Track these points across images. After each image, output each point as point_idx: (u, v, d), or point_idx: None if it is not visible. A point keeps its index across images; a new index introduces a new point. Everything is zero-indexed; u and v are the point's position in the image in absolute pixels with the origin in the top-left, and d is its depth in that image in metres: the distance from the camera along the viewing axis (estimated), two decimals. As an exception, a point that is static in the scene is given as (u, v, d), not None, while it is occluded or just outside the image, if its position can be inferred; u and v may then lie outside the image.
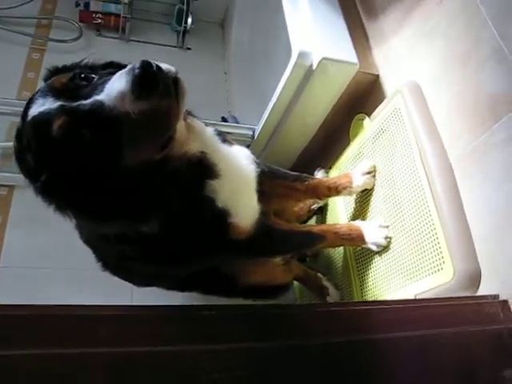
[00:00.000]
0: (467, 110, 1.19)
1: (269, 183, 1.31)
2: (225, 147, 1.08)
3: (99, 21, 2.34)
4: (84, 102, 0.75)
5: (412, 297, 1.20)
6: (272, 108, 1.61)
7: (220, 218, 1.02)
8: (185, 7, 2.37)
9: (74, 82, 0.81)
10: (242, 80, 2.26)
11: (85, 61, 0.93)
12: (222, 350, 0.72)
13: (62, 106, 0.76)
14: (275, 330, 0.79)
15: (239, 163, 1.11)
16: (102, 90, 0.75)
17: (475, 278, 1.11)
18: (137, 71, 0.70)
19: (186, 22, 2.38)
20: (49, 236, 1.77)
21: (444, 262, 1.13)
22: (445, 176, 1.21)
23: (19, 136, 0.82)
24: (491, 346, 0.93)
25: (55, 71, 0.90)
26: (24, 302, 1.63)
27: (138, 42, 2.43)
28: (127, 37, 2.40)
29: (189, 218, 0.96)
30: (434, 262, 1.16)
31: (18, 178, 1.80)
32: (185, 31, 2.41)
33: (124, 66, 0.80)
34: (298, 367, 0.76)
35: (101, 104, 0.74)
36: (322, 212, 1.71)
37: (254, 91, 2.11)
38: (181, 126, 0.89)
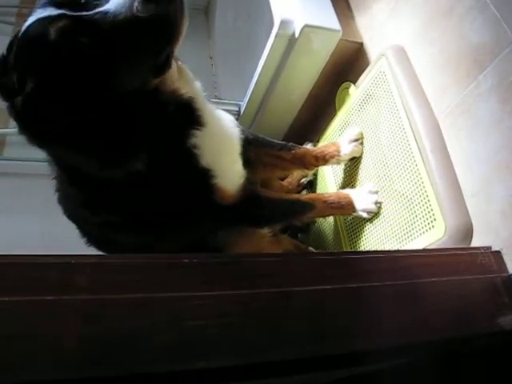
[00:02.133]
0: (452, 64, 1.17)
1: (254, 151, 1.29)
2: (210, 104, 1.06)
3: (81, 8, 2.31)
4: (87, 12, 0.73)
5: (405, 259, 1.18)
6: (257, 81, 1.59)
7: (203, 177, 0.99)
8: (168, -6, 2.34)
9: None
10: (228, 63, 2.24)
11: None
12: (206, 296, 0.69)
13: (63, 13, 0.73)
14: (262, 276, 0.76)
15: (224, 122, 1.09)
16: (106, 2, 0.73)
17: (467, 232, 1.08)
18: None
19: (169, 8, 2.35)
20: (34, 223, 1.74)
21: (435, 220, 1.11)
22: (432, 133, 1.19)
23: (4, 60, 0.78)
24: (486, 294, 0.91)
25: None
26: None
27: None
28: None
29: (172, 168, 0.93)
30: (425, 221, 1.14)
31: (3, 165, 1.80)
32: (168, 17, 2.38)
33: None
34: (282, 315, 0.73)
35: (105, 13, 0.72)
36: (311, 186, 1.69)
37: (240, 73, 2.08)
38: (174, 62, 0.88)
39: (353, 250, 1.41)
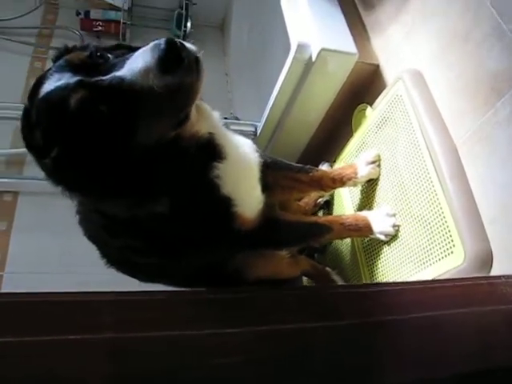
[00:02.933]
0: (469, 90, 1.17)
1: (272, 175, 1.30)
2: (229, 133, 1.08)
3: (100, 28, 2.37)
4: (103, 77, 0.74)
5: (423, 284, 1.18)
6: (273, 102, 1.60)
7: (224, 206, 1.01)
8: (184, 12, 2.38)
9: (91, 58, 0.80)
10: (244, 80, 2.26)
11: (93, 43, 0.93)
12: (228, 333, 0.70)
13: (80, 80, 0.74)
14: (286, 310, 0.77)
15: (243, 150, 1.11)
16: (121, 67, 0.74)
17: (487, 259, 1.08)
18: (163, 46, 0.70)
19: (185, 26, 2.39)
20: (53, 241, 1.77)
21: (454, 246, 1.11)
22: (450, 158, 1.19)
23: (27, 114, 0.81)
24: (507, 325, 0.91)
25: (65, 51, 0.88)
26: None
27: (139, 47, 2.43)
28: (128, 43, 2.41)
29: (194, 201, 0.95)
30: (444, 247, 1.14)
31: (23, 184, 1.83)
32: (185, 35, 2.42)
33: (134, 48, 0.81)
34: (299, 349, 0.73)
35: (121, 80, 0.73)
36: (328, 206, 1.69)
37: (255, 90, 2.10)
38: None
39: (370, 271, 1.41)
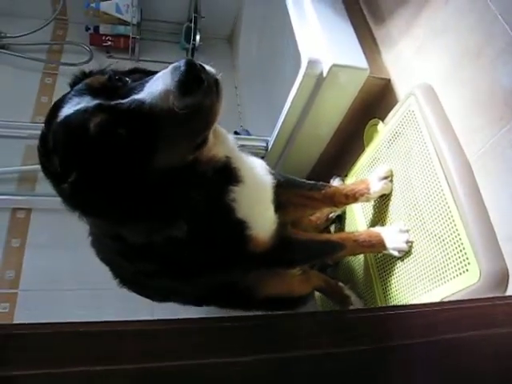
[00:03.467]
0: (483, 107, 1.17)
1: (285, 193, 1.30)
2: (244, 155, 1.08)
3: (109, 43, 2.38)
4: (122, 100, 0.75)
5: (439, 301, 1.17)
6: (284, 118, 1.60)
7: (239, 229, 1.01)
8: (192, 25, 2.39)
9: (111, 82, 0.80)
10: (253, 93, 2.27)
11: (110, 67, 0.93)
12: (250, 361, 0.70)
13: (100, 104, 0.75)
14: (300, 338, 0.77)
15: (258, 172, 1.11)
16: (140, 90, 0.75)
17: (502, 278, 1.07)
18: (183, 68, 0.71)
19: (194, 40, 2.39)
20: (66, 257, 1.78)
21: (469, 264, 1.10)
22: (464, 175, 1.18)
23: (44, 139, 0.81)
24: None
25: (83, 76, 0.88)
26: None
27: (148, 61, 2.45)
28: (137, 57, 2.43)
29: (210, 224, 0.95)
30: (458, 264, 1.13)
31: (36, 201, 1.84)
32: (193, 49, 2.43)
33: (151, 72, 0.82)
34: (322, 377, 0.73)
35: (141, 103, 0.73)
36: (340, 220, 1.69)
37: (265, 103, 2.11)
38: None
39: (383, 287, 1.41)
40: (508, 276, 1.07)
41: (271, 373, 0.70)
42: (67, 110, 0.76)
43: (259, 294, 1.32)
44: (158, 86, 0.73)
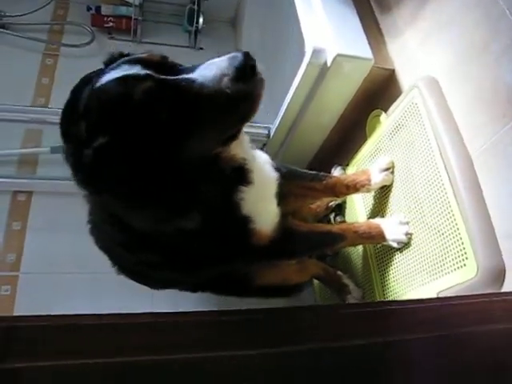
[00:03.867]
0: (486, 103, 1.16)
1: (287, 185, 1.30)
2: (254, 154, 1.09)
3: (111, 24, 2.35)
4: (174, 77, 0.75)
5: (435, 294, 1.18)
6: (287, 106, 1.60)
7: (243, 224, 1.03)
8: (196, 7, 2.36)
9: (163, 61, 0.80)
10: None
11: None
12: (253, 355, 0.71)
13: (150, 74, 0.74)
14: (300, 331, 0.78)
15: (265, 171, 1.12)
16: (191, 71, 0.75)
17: (499, 274, 1.09)
18: (241, 57, 0.73)
19: (197, 22, 2.37)
20: (67, 241, 1.78)
21: (467, 258, 1.12)
22: (465, 170, 1.19)
23: (71, 105, 0.78)
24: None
25: (119, 57, 0.86)
26: (45, 307, 1.65)
27: (151, 43, 2.43)
28: (139, 39, 2.40)
29: (218, 219, 0.96)
30: (456, 258, 1.15)
31: (36, 184, 1.84)
32: (196, 31, 2.40)
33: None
34: (322, 371, 0.75)
35: (192, 81, 0.74)
36: (340, 209, 1.70)
37: (268, 89, 2.07)
38: None
39: (381, 277, 1.42)
40: (505, 272, 1.09)
41: (272, 367, 0.71)
42: (113, 75, 0.75)
43: (255, 282, 1.34)
44: (212, 69, 0.74)
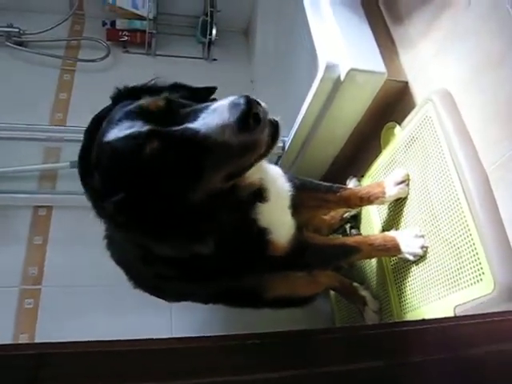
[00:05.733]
0: (501, 117, 1.16)
1: (300, 196, 1.32)
2: (267, 168, 1.10)
3: (126, 38, 2.39)
4: (177, 128, 0.76)
5: (451, 308, 1.18)
6: (301, 120, 1.61)
7: (260, 236, 1.05)
8: (209, 19, 2.39)
9: (167, 107, 0.82)
10: (269, 88, 2.26)
11: (151, 82, 0.95)
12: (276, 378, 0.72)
13: (154, 130, 0.76)
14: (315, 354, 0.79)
15: (279, 184, 1.14)
16: (194, 119, 0.76)
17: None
18: (243, 106, 0.72)
19: (210, 34, 2.39)
20: (87, 254, 1.81)
21: (483, 273, 1.12)
22: (480, 185, 1.19)
23: (86, 151, 0.83)
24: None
25: (126, 91, 0.91)
26: (67, 320, 1.68)
27: (165, 56, 2.46)
28: (154, 51, 2.44)
29: (236, 238, 0.98)
30: (472, 273, 1.15)
31: (56, 199, 1.88)
32: (210, 42, 2.43)
33: (192, 89, 0.91)
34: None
35: (195, 132, 0.75)
36: (355, 220, 1.71)
37: (281, 99, 2.10)
38: None
39: (398, 290, 1.42)
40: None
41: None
42: (118, 132, 0.77)
43: (266, 294, 1.36)
44: (214, 118, 0.74)
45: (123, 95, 0.89)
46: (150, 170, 0.76)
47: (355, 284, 1.60)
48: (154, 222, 0.80)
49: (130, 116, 0.79)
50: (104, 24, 2.38)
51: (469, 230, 1.17)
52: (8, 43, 2.22)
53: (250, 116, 0.72)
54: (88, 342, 0.72)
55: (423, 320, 1.22)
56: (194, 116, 0.77)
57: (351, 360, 0.80)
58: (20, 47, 2.22)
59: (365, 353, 0.82)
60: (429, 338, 0.88)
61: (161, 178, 0.76)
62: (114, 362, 0.71)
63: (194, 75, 2.41)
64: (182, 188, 0.79)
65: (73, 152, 1.91)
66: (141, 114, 0.79)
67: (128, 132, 0.76)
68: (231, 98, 0.74)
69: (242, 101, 0.72)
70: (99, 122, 0.83)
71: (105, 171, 0.79)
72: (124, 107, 0.82)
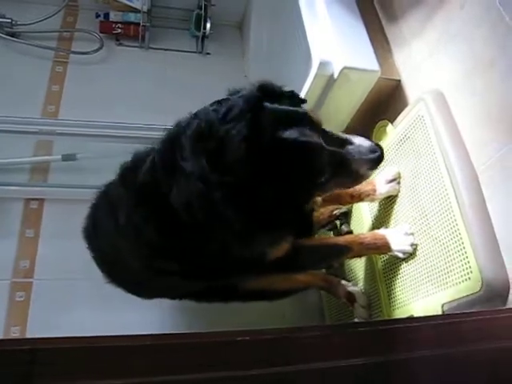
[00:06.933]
0: (493, 118, 1.18)
1: None
2: None
3: (119, 30, 2.37)
4: (339, 149, 0.97)
5: (439, 305, 1.20)
6: (294, 116, 1.61)
7: None
8: (203, 12, 2.38)
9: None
10: (262, 84, 2.26)
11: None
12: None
13: (324, 147, 0.93)
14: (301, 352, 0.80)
15: None
16: (345, 146, 0.99)
17: (504, 290, 1.11)
18: (380, 155, 1.01)
19: (204, 28, 2.38)
20: (79, 247, 1.81)
21: (472, 272, 1.13)
22: (470, 184, 1.20)
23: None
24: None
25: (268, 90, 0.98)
26: (59, 313, 1.68)
27: (158, 49, 2.45)
28: (147, 45, 2.42)
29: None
30: (461, 272, 1.17)
31: (48, 192, 1.88)
32: (204, 36, 2.42)
33: (295, 96, 1.07)
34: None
35: (349, 157, 0.97)
36: (346, 217, 1.72)
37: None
38: None
39: (387, 286, 1.44)
40: (509, 288, 1.11)
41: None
42: (299, 135, 0.89)
43: (241, 288, 1.38)
44: (362, 153, 0.99)
45: (266, 93, 0.96)
46: (306, 170, 0.91)
47: (343, 282, 1.61)
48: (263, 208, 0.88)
49: (302, 123, 0.92)
50: (97, 16, 2.36)
51: (458, 229, 1.18)
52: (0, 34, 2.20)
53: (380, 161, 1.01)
54: (82, 337, 0.73)
55: (412, 318, 1.24)
56: (343, 143, 0.99)
57: (342, 357, 0.81)
58: (12, 38, 2.20)
59: (352, 350, 0.83)
60: (417, 335, 0.89)
61: (305, 177, 0.92)
62: (106, 357, 0.71)
63: (187, 69, 2.43)
64: (308, 189, 0.97)
65: (65, 145, 1.93)
66: (309, 124, 0.93)
67: (309, 140, 0.90)
68: (370, 143, 1.01)
69: (379, 151, 1.01)
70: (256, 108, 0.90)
71: (243, 163, 0.85)
72: (283, 109, 0.94)
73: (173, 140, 0.94)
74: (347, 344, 0.84)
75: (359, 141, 1.00)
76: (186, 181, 0.86)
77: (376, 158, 0.99)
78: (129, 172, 1.11)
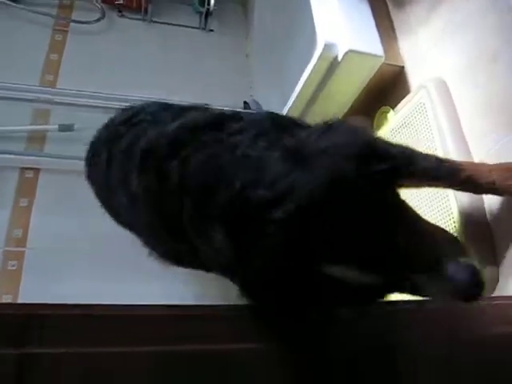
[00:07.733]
0: (493, 110, 1.18)
1: None
2: None
3: (121, 1, 2.32)
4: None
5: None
6: (296, 97, 1.61)
7: None
8: (207, -12, 2.34)
9: None
10: (265, 63, 2.24)
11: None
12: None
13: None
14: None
15: None
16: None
17: (494, 280, 1.12)
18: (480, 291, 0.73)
19: (208, 4, 2.35)
20: (73, 218, 1.81)
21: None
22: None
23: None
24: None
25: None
26: (51, 282, 1.68)
27: (161, 23, 2.41)
28: (149, 18, 2.38)
29: None
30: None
31: (44, 161, 1.86)
32: (207, 13, 2.38)
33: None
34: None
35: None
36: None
37: (276, 75, 2.08)
38: None
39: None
40: (498, 278, 1.12)
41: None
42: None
43: None
44: (462, 278, 0.72)
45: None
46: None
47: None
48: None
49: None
50: (99, -15, 2.32)
51: (453, 217, 1.19)
52: (0, -2, 2.14)
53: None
54: (76, 304, 0.73)
55: (407, 301, 1.24)
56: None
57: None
58: (12, 3, 2.15)
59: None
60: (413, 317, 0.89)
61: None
62: (100, 325, 0.71)
63: (189, 45, 2.40)
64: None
65: (62, 115, 1.91)
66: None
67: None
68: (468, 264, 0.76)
69: (479, 282, 0.74)
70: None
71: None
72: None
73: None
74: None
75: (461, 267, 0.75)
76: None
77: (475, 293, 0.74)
78: None
